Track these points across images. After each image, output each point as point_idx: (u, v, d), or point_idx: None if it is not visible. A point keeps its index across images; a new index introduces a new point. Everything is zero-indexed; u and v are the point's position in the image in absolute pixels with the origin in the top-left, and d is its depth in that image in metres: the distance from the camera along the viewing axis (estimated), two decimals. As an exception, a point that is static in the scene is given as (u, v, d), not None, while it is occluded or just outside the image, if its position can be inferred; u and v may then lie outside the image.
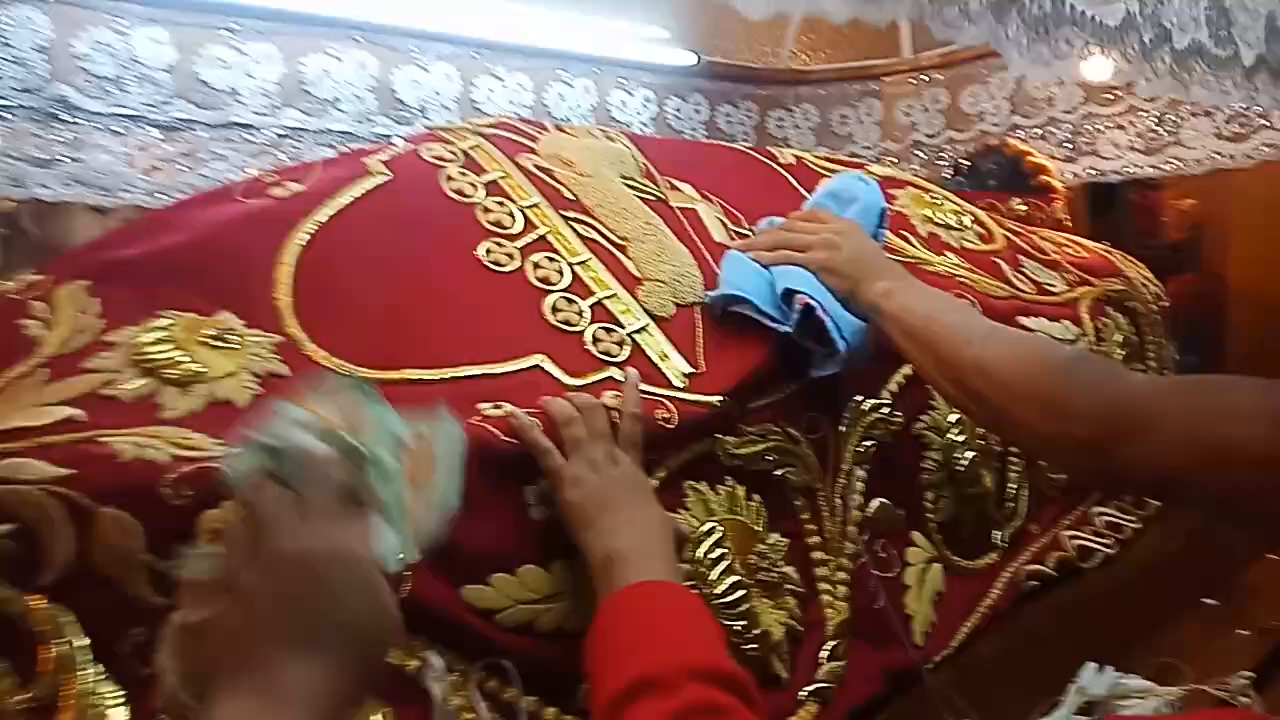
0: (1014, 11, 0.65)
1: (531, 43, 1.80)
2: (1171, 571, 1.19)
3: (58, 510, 0.54)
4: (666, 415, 0.77)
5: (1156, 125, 1.86)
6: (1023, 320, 1.13)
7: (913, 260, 1.17)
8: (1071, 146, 2.00)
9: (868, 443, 0.92)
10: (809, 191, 1.21)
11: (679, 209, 1.00)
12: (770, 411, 0.86)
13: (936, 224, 1.27)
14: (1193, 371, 1.56)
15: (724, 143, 1.31)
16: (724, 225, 1.02)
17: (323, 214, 0.86)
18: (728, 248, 0.98)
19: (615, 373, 0.81)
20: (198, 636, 0.43)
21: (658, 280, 0.89)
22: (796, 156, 1.30)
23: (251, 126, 1.48)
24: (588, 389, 0.78)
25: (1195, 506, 0.64)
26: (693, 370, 0.83)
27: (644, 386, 0.80)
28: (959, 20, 0.63)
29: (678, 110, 2.08)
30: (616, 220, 0.92)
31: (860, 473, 0.91)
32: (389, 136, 1.56)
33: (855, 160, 1.38)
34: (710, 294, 0.91)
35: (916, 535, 0.97)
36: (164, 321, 0.72)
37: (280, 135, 1.52)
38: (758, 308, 0.87)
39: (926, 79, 2.23)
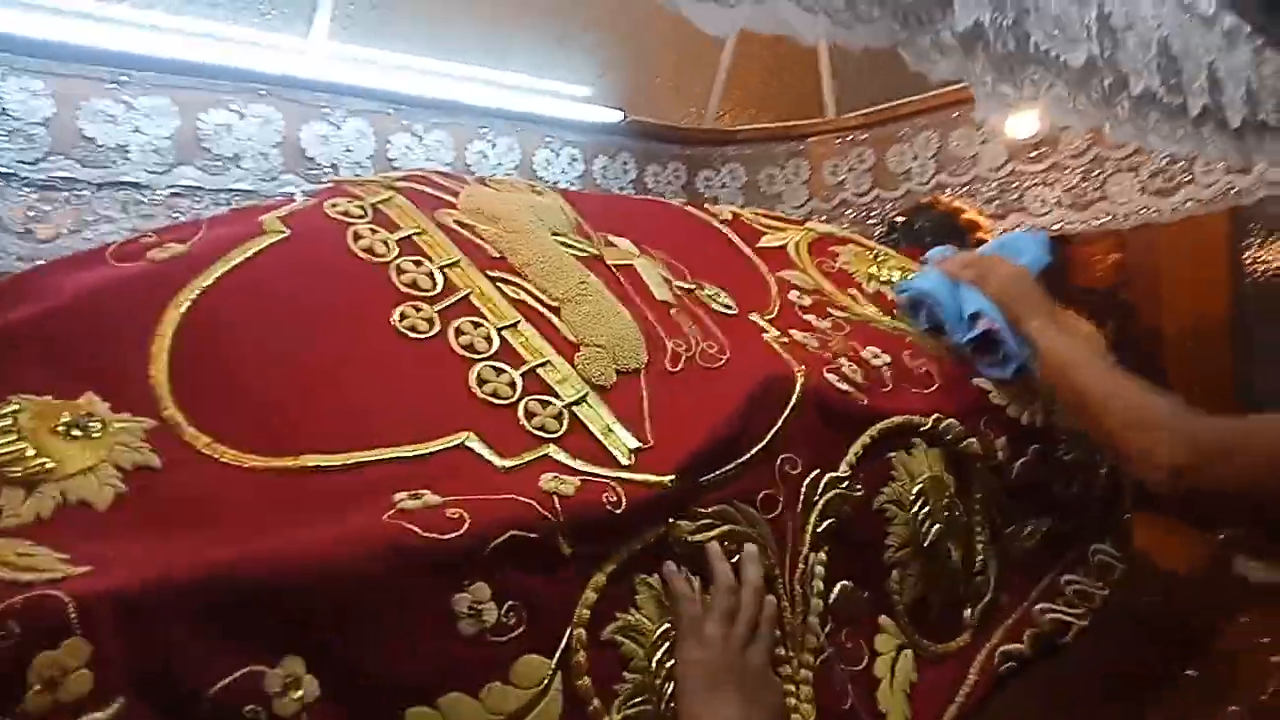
0: (980, 47, 0.59)
1: (451, 98, 1.72)
2: (1145, 640, 1.12)
3: None
4: (613, 500, 0.67)
5: (1082, 181, 1.87)
6: (978, 381, 1.07)
7: (862, 319, 1.11)
8: (999, 203, 2.00)
9: (827, 521, 0.83)
10: (749, 246, 1.15)
11: (616, 266, 0.91)
12: (727, 489, 0.77)
13: (882, 281, 1.22)
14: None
15: (657, 198, 1.24)
16: (667, 281, 0.94)
17: (208, 278, 0.74)
18: (671, 305, 0.90)
19: (552, 450, 0.71)
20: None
21: (596, 345, 0.79)
22: (733, 212, 1.24)
23: (142, 185, 1.35)
24: (521, 470, 0.67)
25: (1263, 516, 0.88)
26: (640, 445, 0.74)
27: (585, 466, 0.70)
28: (931, 53, 0.57)
29: (604, 169, 2.02)
30: (549, 280, 0.83)
31: (820, 555, 0.82)
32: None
33: (792, 218, 1.33)
34: (904, 285, 1.12)
35: (884, 620, 0.88)
36: (10, 408, 0.60)
37: (174, 194, 1.39)
38: (944, 310, 1.08)
39: (851, 139, 2.23)
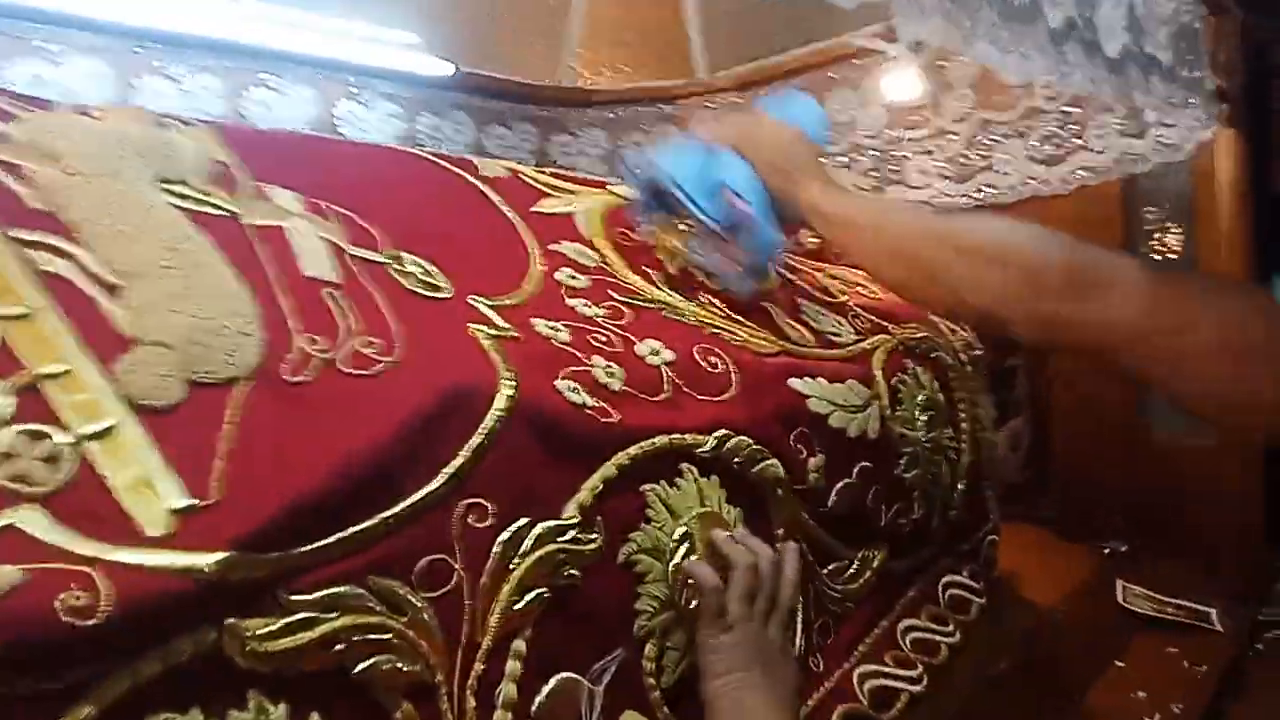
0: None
1: (220, 36, 1.42)
2: (997, 703, 0.91)
3: None
4: (82, 603, 0.41)
5: (966, 150, 1.66)
6: (795, 384, 0.84)
7: (654, 305, 0.87)
8: (878, 175, 1.78)
9: (534, 593, 0.59)
10: (516, 211, 0.90)
11: (255, 227, 0.65)
12: (354, 559, 0.52)
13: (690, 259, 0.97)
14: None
15: (406, 148, 0.98)
16: (338, 251, 0.68)
17: None
18: (329, 284, 0.64)
19: (24, 516, 0.44)
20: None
21: (159, 344, 0.53)
22: (512, 169, 0.99)
23: None
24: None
25: (1127, 372, 0.65)
26: (192, 502, 0.48)
27: (68, 543, 0.44)
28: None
29: (434, 129, 1.74)
30: (115, 246, 0.56)
31: (518, 645, 0.58)
32: None
33: (594, 179, 1.08)
34: (631, 163, 0.93)
35: (629, 717, 0.64)
36: None
37: None
38: (685, 192, 0.88)
39: (723, 101, 1.99)
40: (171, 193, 0.63)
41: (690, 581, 0.68)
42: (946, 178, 1.69)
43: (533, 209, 0.93)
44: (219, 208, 0.65)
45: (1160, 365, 0.62)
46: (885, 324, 1.04)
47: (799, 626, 0.76)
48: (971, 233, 0.75)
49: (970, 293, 0.72)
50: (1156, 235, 1.49)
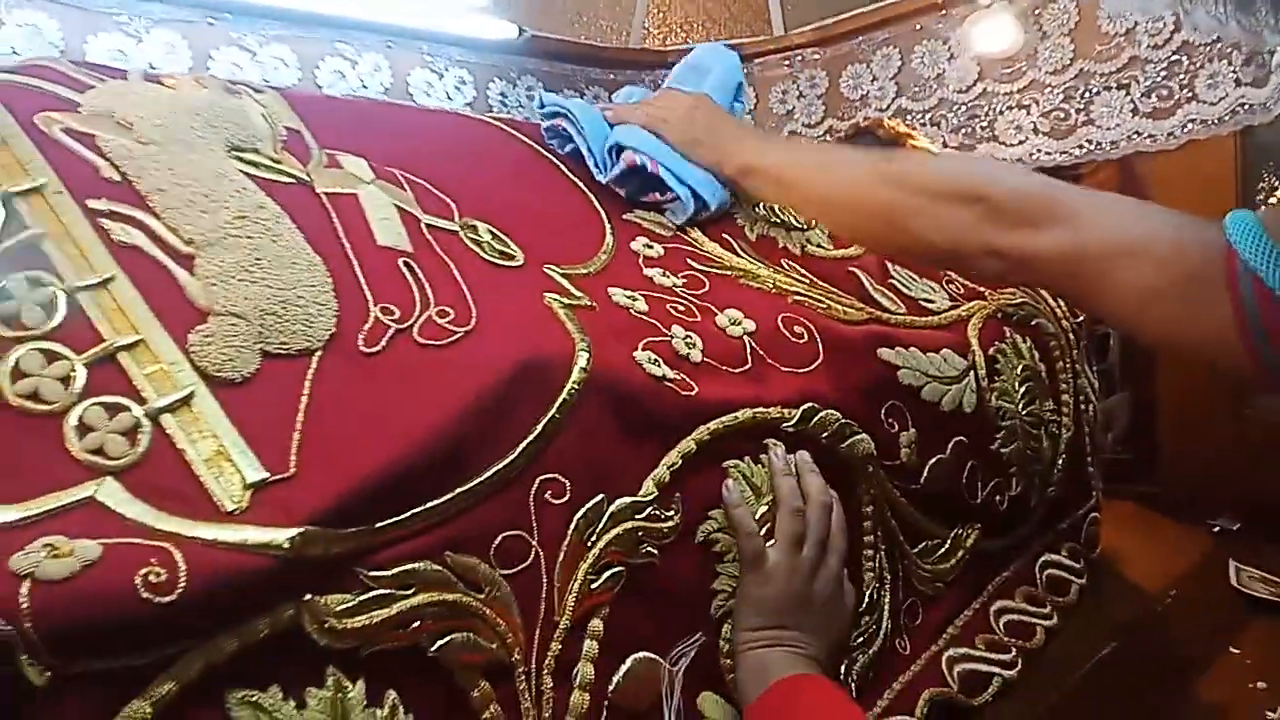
0: None
1: (293, 7, 1.42)
2: (1099, 691, 0.86)
3: None
4: (161, 579, 0.40)
5: (1064, 102, 1.56)
6: (885, 355, 0.80)
7: (734, 273, 0.83)
8: (966, 132, 1.70)
9: (610, 571, 0.56)
10: (583, 181, 0.87)
11: (327, 195, 0.63)
12: (431, 534, 0.50)
13: (772, 223, 0.93)
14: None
15: (476, 115, 0.96)
16: (411, 219, 0.66)
17: None
18: (403, 253, 0.62)
19: (105, 489, 0.44)
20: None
21: (231, 314, 0.52)
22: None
23: None
24: (22, 527, 0.41)
25: (1087, 305, 0.71)
26: (266, 475, 0.47)
27: (145, 517, 0.43)
28: None
29: (503, 96, 1.72)
30: (186, 214, 0.56)
31: (595, 624, 0.56)
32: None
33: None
34: (548, 99, 0.92)
35: (705, 699, 0.62)
36: None
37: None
38: (583, 135, 0.88)
39: (801, 58, 1.91)
40: (243, 160, 0.62)
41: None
42: (1044, 134, 1.59)
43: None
44: (291, 175, 0.64)
45: (1113, 294, 0.62)
46: (981, 289, 0.98)
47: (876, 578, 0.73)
48: (927, 172, 0.74)
49: (933, 232, 0.70)
50: (1278, 193, 1.37)
